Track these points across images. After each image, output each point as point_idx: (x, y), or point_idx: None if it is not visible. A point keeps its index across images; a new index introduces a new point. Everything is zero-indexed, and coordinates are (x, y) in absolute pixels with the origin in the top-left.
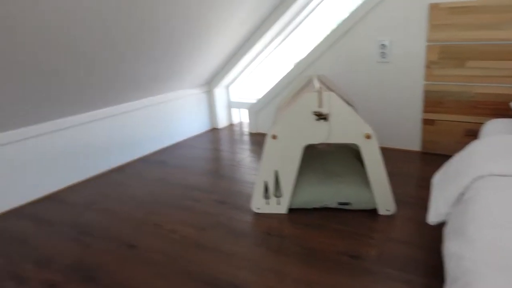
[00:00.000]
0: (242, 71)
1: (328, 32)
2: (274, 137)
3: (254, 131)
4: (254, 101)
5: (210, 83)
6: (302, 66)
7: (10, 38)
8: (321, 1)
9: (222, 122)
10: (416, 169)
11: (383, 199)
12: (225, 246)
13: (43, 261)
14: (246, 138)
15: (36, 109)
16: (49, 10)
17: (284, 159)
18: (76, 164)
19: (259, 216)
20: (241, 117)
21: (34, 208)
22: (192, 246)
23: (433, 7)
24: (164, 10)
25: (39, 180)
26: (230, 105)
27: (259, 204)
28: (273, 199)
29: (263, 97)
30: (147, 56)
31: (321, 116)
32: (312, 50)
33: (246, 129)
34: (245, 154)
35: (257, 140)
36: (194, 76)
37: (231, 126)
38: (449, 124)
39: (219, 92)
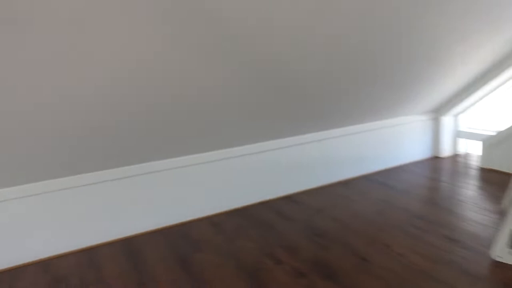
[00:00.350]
0: (478, 101)
1: None
2: None
3: (485, 166)
4: (490, 133)
5: (438, 111)
6: None
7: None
8: None
9: (445, 152)
10: None
11: None
12: (459, 286)
13: (289, 249)
14: (474, 172)
15: (287, 126)
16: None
17: None
18: (311, 172)
19: (498, 264)
20: (468, 148)
21: (276, 204)
22: (422, 275)
23: None
24: (414, 47)
25: (280, 182)
26: (457, 134)
27: (501, 253)
28: None
29: (505, 130)
30: (389, 84)
31: None
32: None
33: (474, 163)
34: (471, 189)
35: (488, 176)
36: (425, 103)
37: (455, 156)
38: None
39: (446, 120)
